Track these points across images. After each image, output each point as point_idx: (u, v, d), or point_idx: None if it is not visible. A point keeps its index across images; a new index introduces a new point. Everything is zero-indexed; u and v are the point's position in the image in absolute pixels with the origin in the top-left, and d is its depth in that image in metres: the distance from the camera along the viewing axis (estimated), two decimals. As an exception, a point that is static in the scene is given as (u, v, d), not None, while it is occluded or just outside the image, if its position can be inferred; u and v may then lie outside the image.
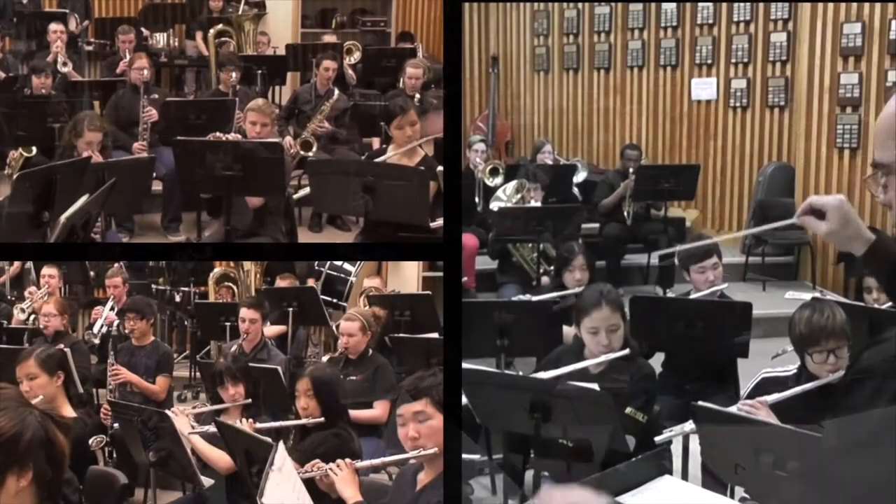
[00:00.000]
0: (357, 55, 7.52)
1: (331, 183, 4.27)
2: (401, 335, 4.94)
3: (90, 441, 4.06)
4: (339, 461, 2.85)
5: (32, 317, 5.83)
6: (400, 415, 2.64)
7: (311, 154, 6.17)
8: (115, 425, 4.34)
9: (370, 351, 4.61)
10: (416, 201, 4.02)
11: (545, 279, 5.79)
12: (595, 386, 3.05)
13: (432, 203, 4.08)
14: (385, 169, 4.19)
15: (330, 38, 8.14)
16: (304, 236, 5.90)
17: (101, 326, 5.78)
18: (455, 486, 2.77)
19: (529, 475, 3.62)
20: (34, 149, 5.66)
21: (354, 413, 3.97)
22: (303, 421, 3.48)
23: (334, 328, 5.48)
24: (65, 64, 6.82)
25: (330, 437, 3.36)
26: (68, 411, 3.70)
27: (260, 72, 7.02)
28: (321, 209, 5.79)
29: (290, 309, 5.36)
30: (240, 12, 7.60)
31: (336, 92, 6.61)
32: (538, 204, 6.30)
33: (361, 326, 4.56)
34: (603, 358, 3.37)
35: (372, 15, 9.30)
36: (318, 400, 3.45)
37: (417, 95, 6.50)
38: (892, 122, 1.36)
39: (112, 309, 5.88)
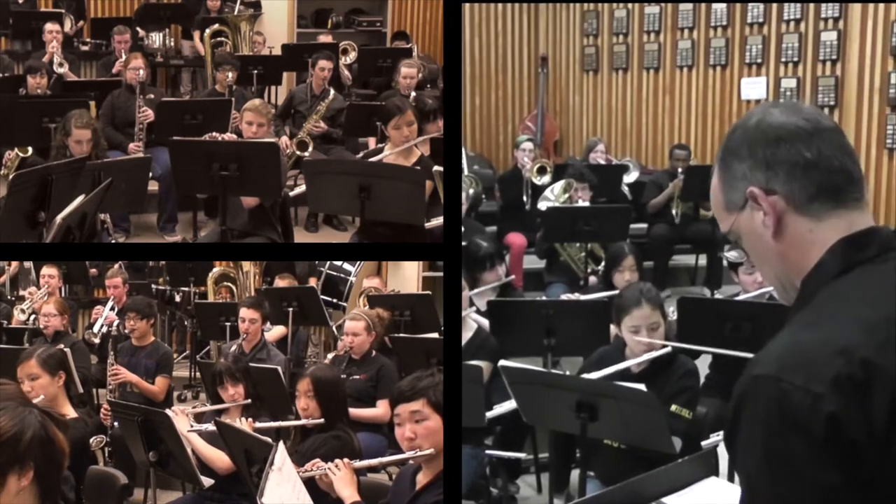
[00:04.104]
0: (353, 55, 7.55)
1: (327, 183, 4.27)
2: (401, 335, 4.95)
3: (90, 441, 4.07)
4: (337, 461, 2.86)
5: (32, 317, 5.84)
6: (397, 414, 2.64)
7: (307, 154, 6.18)
8: (115, 425, 4.36)
9: (373, 351, 4.63)
10: (413, 201, 4.03)
11: (593, 279, 5.78)
12: (642, 386, 3.04)
13: (427, 203, 4.10)
14: (382, 169, 4.20)
15: (325, 39, 8.15)
16: (301, 236, 5.91)
17: (101, 326, 5.79)
18: (455, 487, 2.78)
19: (575, 475, 3.65)
20: (30, 149, 5.67)
21: (357, 412, 4.00)
22: (303, 421, 3.49)
23: (334, 328, 5.49)
24: (61, 64, 6.82)
25: (330, 439, 3.36)
26: (69, 411, 3.71)
27: (256, 72, 7.03)
28: (317, 209, 5.80)
29: (290, 309, 5.37)
30: (236, 12, 7.60)
31: (332, 92, 6.62)
32: (586, 204, 6.26)
33: (367, 326, 4.58)
34: (645, 357, 3.36)
35: (367, 15, 9.31)
36: (319, 400, 3.45)
37: (413, 94, 6.51)
38: (715, 197, 1.47)
39: (112, 309, 5.89)
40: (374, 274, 6.55)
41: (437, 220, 4.10)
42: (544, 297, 5.81)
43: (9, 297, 6.85)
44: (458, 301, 3.62)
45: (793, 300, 1.40)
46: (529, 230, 6.63)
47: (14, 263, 7.26)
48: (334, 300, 6.35)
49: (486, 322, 4.19)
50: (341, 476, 2.82)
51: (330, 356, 5.04)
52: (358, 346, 4.56)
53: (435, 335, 4.92)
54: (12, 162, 5.66)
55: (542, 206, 6.33)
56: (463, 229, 5.64)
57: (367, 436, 4.01)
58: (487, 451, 3.82)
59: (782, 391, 1.21)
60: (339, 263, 6.54)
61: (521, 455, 4.19)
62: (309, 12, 9.29)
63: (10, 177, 3.61)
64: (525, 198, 6.98)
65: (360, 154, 5.36)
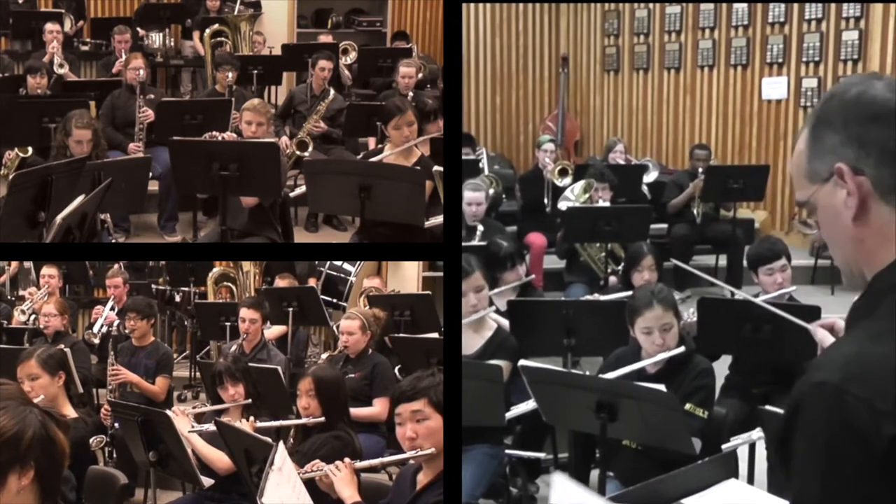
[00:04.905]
0: (353, 55, 7.55)
1: (327, 183, 4.27)
2: (401, 335, 4.95)
3: (90, 441, 4.07)
4: (337, 462, 2.86)
5: (32, 317, 5.84)
6: (398, 414, 2.64)
7: (307, 154, 6.18)
8: (116, 425, 4.36)
9: (370, 350, 4.63)
10: (413, 201, 4.03)
11: (613, 279, 5.76)
12: (662, 387, 3.03)
13: (427, 203, 4.10)
14: (382, 169, 4.20)
15: (325, 39, 8.15)
16: (301, 236, 5.91)
17: (101, 326, 5.79)
18: (455, 487, 2.78)
19: (594, 475, 3.65)
20: (30, 149, 5.67)
21: (354, 411, 3.99)
22: (303, 420, 3.49)
23: (334, 328, 5.50)
24: (61, 65, 6.82)
25: (331, 439, 3.36)
26: (69, 411, 3.71)
27: (256, 72, 7.03)
28: (317, 209, 5.80)
29: (290, 309, 5.37)
30: (236, 12, 7.60)
31: (332, 92, 6.62)
32: (607, 204, 6.25)
33: (361, 325, 4.58)
34: (659, 356, 3.36)
35: (367, 15, 9.32)
36: (320, 399, 3.46)
37: (411, 94, 6.52)
38: (799, 162, 1.39)
39: (112, 309, 5.89)
40: (374, 274, 6.55)
41: (437, 219, 4.09)
42: (564, 297, 5.79)
43: (9, 297, 6.85)
44: (458, 301, 3.61)
45: (857, 286, 1.35)
46: (550, 230, 6.63)
47: (14, 263, 7.25)
48: (334, 300, 6.36)
49: (505, 322, 4.18)
50: (342, 476, 2.82)
51: (324, 356, 5.04)
52: (353, 344, 4.56)
53: (435, 335, 4.92)
54: (12, 162, 5.66)
55: (563, 206, 6.32)
56: (482, 229, 5.65)
57: (364, 437, 4.00)
58: (507, 451, 3.81)
59: (845, 403, 1.18)
60: (339, 263, 6.54)
61: (541, 455, 4.17)
62: (309, 12, 9.29)
63: (10, 177, 3.60)
64: (546, 199, 6.96)
65: (360, 154, 5.36)
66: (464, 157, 7.56)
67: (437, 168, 4.19)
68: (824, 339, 1.99)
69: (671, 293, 3.53)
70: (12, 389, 1.90)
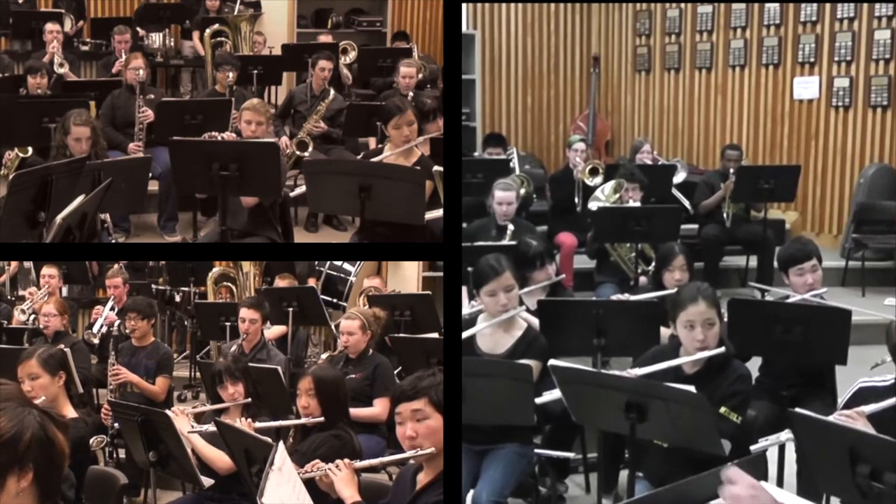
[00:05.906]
0: (353, 55, 7.56)
1: (327, 183, 4.27)
2: (401, 335, 4.96)
3: (90, 441, 4.07)
4: (338, 461, 2.86)
5: (32, 317, 5.84)
6: (398, 413, 2.64)
7: (307, 154, 6.18)
8: (116, 425, 4.36)
9: (370, 350, 4.63)
10: (413, 201, 4.03)
11: (643, 279, 5.73)
12: (691, 388, 3.01)
13: (427, 203, 4.10)
14: (382, 169, 4.20)
15: (326, 39, 8.16)
16: (301, 236, 5.92)
17: (101, 326, 5.79)
18: (455, 487, 2.78)
19: (623, 475, 3.63)
20: (30, 149, 5.68)
21: (354, 411, 4.00)
22: (303, 420, 3.49)
23: (334, 328, 5.50)
24: (61, 65, 6.83)
25: (330, 438, 3.37)
26: (69, 411, 3.70)
27: (256, 72, 7.03)
28: (317, 209, 5.80)
29: (290, 309, 5.37)
30: (236, 12, 7.61)
31: (332, 92, 6.62)
32: (637, 204, 6.21)
33: (361, 325, 4.58)
34: (699, 355, 3.33)
35: (367, 15, 9.32)
36: (320, 399, 3.46)
37: (411, 94, 6.52)
38: None
39: (112, 309, 5.89)
40: (374, 274, 6.56)
41: (436, 213, 4.08)
42: (594, 297, 5.78)
43: (9, 297, 6.85)
44: (458, 301, 3.62)
45: None
46: (580, 230, 6.60)
47: (14, 263, 7.26)
48: (334, 300, 6.36)
49: (535, 321, 4.13)
50: (342, 476, 2.81)
51: (324, 356, 5.04)
52: (353, 345, 4.56)
53: (435, 335, 4.92)
54: (12, 162, 5.67)
55: (593, 206, 6.28)
56: (513, 228, 5.63)
57: (365, 437, 4.01)
58: (536, 451, 3.80)
59: None
60: (339, 263, 6.54)
61: (570, 454, 4.18)
62: (309, 12, 9.29)
63: (10, 177, 3.60)
64: (576, 198, 6.93)
65: (360, 154, 5.35)
66: (495, 156, 7.54)
67: (437, 168, 4.19)
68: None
69: (715, 292, 3.50)
70: (11, 390, 1.90)
